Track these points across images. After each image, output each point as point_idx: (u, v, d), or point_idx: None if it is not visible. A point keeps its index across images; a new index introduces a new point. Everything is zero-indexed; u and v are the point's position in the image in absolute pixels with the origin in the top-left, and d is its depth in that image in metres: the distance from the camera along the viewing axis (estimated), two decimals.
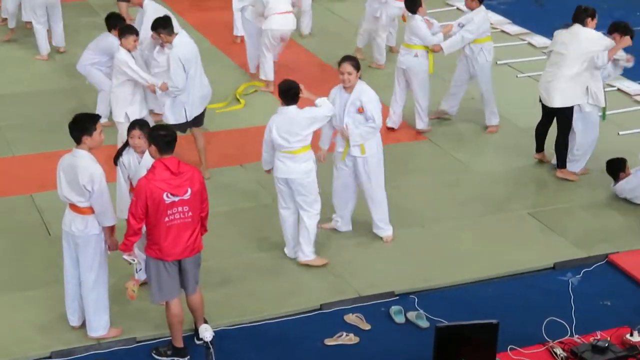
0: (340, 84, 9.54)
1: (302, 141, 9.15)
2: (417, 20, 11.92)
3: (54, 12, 14.66)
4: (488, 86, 12.16)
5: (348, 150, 9.59)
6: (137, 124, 8.60)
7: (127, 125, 10.29)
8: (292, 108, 9.12)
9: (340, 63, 9.50)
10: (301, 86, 9.18)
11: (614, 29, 10.90)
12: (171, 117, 10.84)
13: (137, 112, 10.73)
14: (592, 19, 10.91)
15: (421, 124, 12.26)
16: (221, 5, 16.89)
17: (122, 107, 10.84)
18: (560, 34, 11.03)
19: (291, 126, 9.09)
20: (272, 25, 13.29)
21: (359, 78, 9.48)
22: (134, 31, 10.89)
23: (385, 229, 9.93)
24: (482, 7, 12.07)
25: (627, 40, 10.77)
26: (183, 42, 10.84)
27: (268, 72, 13.53)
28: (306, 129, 9.15)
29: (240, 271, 9.38)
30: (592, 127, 11.08)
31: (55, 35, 14.79)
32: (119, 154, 8.67)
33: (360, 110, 9.44)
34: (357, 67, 9.45)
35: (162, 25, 10.88)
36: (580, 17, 10.90)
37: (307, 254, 9.44)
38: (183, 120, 10.89)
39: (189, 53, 10.78)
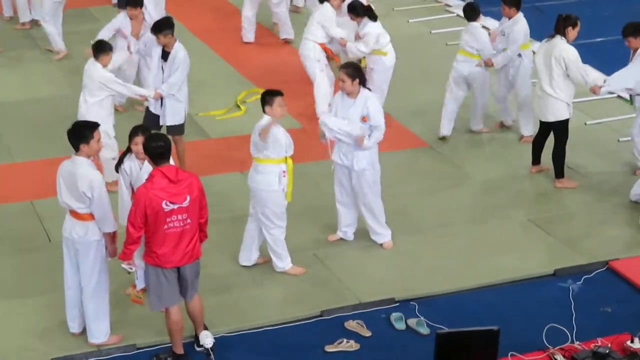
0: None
1: (259, 151, 9.05)
2: (478, 28, 11.82)
3: (58, 8, 14.77)
4: (527, 92, 11.94)
5: (342, 160, 9.55)
6: (140, 130, 8.56)
7: (112, 140, 10.35)
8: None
9: (339, 70, 9.53)
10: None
11: (630, 31, 10.73)
12: (170, 119, 10.87)
13: (111, 125, 10.62)
14: (573, 28, 10.69)
15: (479, 124, 12.30)
16: (222, 10, 16.94)
17: (107, 123, 10.34)
18: (541, 47, 10.92)
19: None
20: None
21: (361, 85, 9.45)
22: (110, 47, 10.65)
23: (383, 235, 9.90)
24: (521, 14, 11.82)
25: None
26: (182, 46, 10.88)
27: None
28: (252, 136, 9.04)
29: (241, 278, 9.37)
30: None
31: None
32: (120, 160, 8.66)
33: (365, 120, 9.42)
34: (354, 75, 9.37)
35: (169, 27, 10.71)
36: (559, 27, 10.69)
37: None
38: (183, 121, 10.97)
39: None
